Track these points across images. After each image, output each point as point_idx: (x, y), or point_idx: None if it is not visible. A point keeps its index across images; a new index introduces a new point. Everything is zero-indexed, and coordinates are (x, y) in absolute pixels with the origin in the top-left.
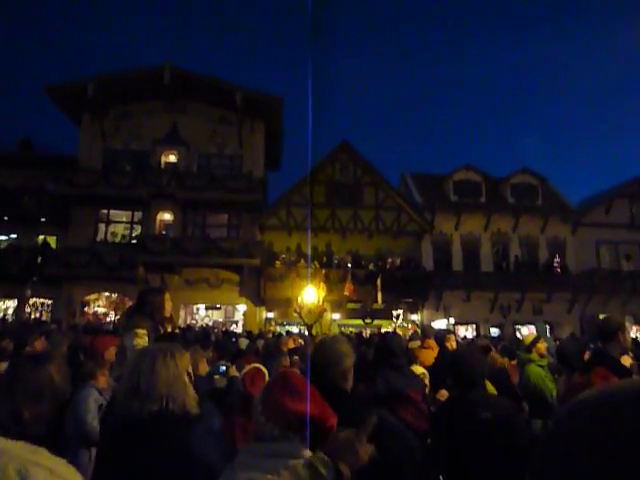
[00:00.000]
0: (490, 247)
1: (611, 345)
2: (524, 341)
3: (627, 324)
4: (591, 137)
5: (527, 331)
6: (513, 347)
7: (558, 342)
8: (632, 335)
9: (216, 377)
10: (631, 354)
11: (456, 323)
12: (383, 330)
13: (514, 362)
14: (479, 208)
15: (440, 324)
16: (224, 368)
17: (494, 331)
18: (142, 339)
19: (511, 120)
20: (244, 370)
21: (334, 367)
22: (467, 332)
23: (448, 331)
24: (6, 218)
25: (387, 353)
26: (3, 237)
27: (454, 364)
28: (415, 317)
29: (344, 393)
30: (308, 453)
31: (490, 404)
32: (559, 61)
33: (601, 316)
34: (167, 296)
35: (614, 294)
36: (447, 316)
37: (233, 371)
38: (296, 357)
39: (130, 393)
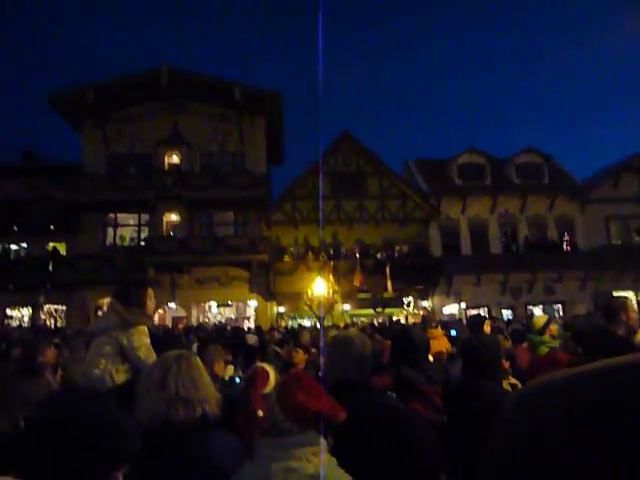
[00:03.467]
0: (498, 229)
1: (614, 323)
2: (535, 324)
3: (634, 301)
4: (594, 113)
5: (539, 312)
6: (523, 329)
7: (564, 322)
8: None
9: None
10: None
11: (467, 307)
12: (394, 318)
13: (525, 345)
14: (485, 190)
15: (451, 309)
16: (238, 380)
17: (506, 313)
18: (146, 336)
19: (512, 101)
20: (250, 370)
21: (350, 361)
22: None
23: (482, 316)
24: (16, 228)
25: (406, 346)
26: (14, 246)
27: (466, 350)
28: (426, 303)
29: (359, 385)
30: (324, 441)
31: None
32: (558, 41)
33: (615, 293)
34: (150, 292)
35: (626, 270)
36: (458, 301)
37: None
38: (314, 350)
39: (168, 399)
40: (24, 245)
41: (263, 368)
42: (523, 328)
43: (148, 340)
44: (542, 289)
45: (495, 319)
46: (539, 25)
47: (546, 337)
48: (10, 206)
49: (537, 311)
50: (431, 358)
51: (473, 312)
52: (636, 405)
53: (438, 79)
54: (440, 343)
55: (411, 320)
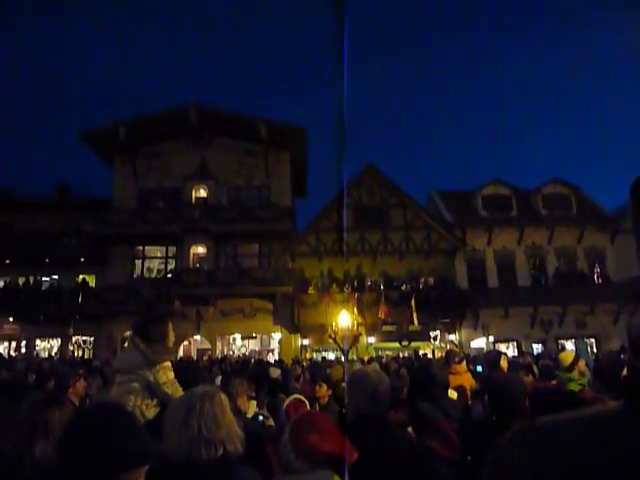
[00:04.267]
0: (525, 261)
1: None
2: (563, 360)
3: None
4: (622, 141)
5: (571, 346)
6: (554, 365)
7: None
8: None
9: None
10: None
11: (495, 341)
12: (421, 352)
13: (554, 382)
14: (511, 222)
15: (479, 343)
16: (261, 418)
17: (536, 347)
18: (170, 372)
19: (537, 131)
20: (287, 401)
21: (365, 397)
22: (508, 350)
23: (498, 352)
24: (47, 260)
25: (424, 381)
26: (45, 278)
27: (491, 389)
28: (453, 337)
29: (375, 421)
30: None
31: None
32: (582, 67)
33: None
34: (170, 325)
35: None
36: (486, 334)
37: (270, 422)
38: (344, 384)
39: (191, 438)
40: (55, 277)
41: (301, 400)
42: (553, 363)
43: (173, 375)
44: (573, 322)
45: (525, 354)
46: (559, 56)
47: (575, 374)
48: (42, 238)
49: (569, 345)
50: (455, 394)
51: (502, 346)
52: (586, 462)
53: (459, 111)
54: (463, 379)
55: (437, 354)
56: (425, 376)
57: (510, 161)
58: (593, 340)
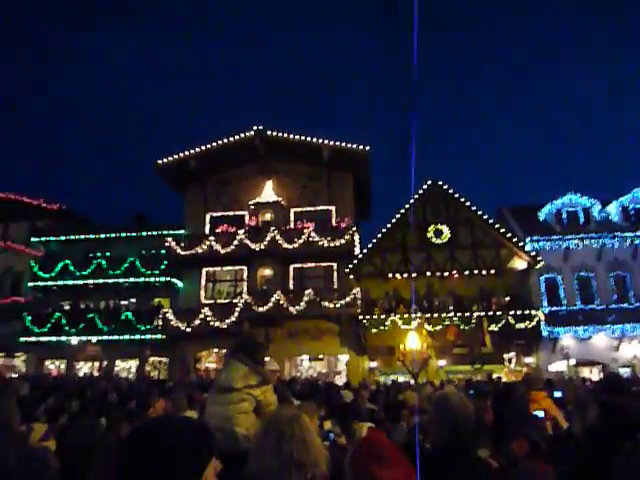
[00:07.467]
0: (607, 278)
1: None
2: None
3: None
4: None
5: None
6: None
7: None
8: None
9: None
10: None
11: (577, 364)
12: (495, 376)
13: None
14: (588, 236)
15: (558, 366)
16: (332, 436)
17: (624, 371)
18: (274, 394)
19: (610, 138)
20: (361, 431)
21: (448, 424)
22: (592, 374)
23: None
24: (126, 285)
25: (514, 410)
26: (124, 302)
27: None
28: (530, 360)
29: (456, 451)
30: None
31: None
32: None
33: None
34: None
35: None
36: (566, 357)
37: (342, 440)
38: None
39: (284, 462)
40: (133, 300)
41: (376, 431)
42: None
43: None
44: None
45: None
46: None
47: None
48: (120, 264)
49: None
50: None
51: (585, 370)
52: None
53: (527, 122)
54: (541, 406)
55: (511, 378)
56: (514, 407)
57: (587, 170)
58: None
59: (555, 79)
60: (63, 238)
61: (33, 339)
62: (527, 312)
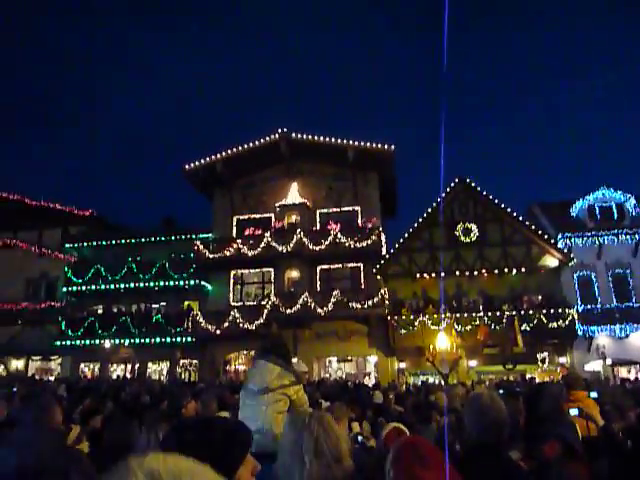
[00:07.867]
0: None
1: None
2: None
3: None
4: None
5: None
6: None
7: None
8: None
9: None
10: None
11: (614, 364)
12: (528, 376)
13: None
14: (623, 232)
15: (594, 366)
16: (361, 439)
17: None
18: (305, 394)
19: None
20: (385, 430)
21: (484, 425)
22: (630, 374)
23: None
24: (156, 289)
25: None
26: (155, 305)
27: None
28: (564, 359)
29: (490, 451)
30: None
31: None
32: None
33: None
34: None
35: None
36: (602, 356)
37: (371, 442)
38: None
39: (326, 463)
40: (163, 304)
41: (402, 430)
42: None
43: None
44: None
45: None
46: None
47: None
48: (150, 268)
49: None
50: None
51: (622, 370)
52: None
53: (559, 117)
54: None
55: (544, 378)
56: (546, 407)
57: (620, 164)
58: None
59: (587, 74)
60: (95, 244)
61: (68, 342)
62: (560, 310)
